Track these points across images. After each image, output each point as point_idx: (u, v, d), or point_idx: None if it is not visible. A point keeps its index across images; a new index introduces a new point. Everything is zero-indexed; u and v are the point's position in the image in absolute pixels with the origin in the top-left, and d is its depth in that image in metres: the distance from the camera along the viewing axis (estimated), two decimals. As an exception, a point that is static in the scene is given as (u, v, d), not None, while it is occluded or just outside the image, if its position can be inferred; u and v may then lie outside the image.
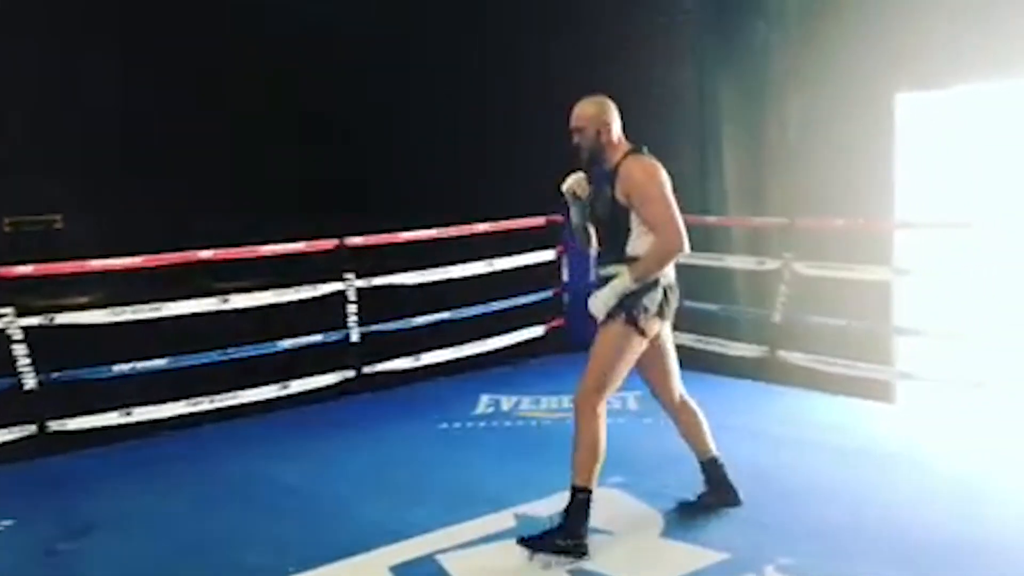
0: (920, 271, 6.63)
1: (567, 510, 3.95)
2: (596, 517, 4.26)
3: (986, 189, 6.57)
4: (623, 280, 3.90)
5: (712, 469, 4.37)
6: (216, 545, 4.31)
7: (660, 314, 3.98)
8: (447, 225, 6.95)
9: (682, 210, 7.01)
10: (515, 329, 7.28)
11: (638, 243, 3.95)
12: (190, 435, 5.89)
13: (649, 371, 4.25)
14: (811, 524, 4.24)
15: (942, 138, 6.83)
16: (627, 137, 4.06)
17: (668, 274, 4.02)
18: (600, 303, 3.95)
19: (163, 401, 5.78)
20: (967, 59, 6.34)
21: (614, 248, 4.01)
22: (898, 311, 6.75)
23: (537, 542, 3.94)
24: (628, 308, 3.92)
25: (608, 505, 4.46)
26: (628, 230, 3.95)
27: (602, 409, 3.98)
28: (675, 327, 6.92)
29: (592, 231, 4.22)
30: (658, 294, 3.94)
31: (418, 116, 8.93)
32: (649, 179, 3.90)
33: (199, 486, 5.10)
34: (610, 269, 4.00)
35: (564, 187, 4.17)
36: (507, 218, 7.26)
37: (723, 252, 7.00)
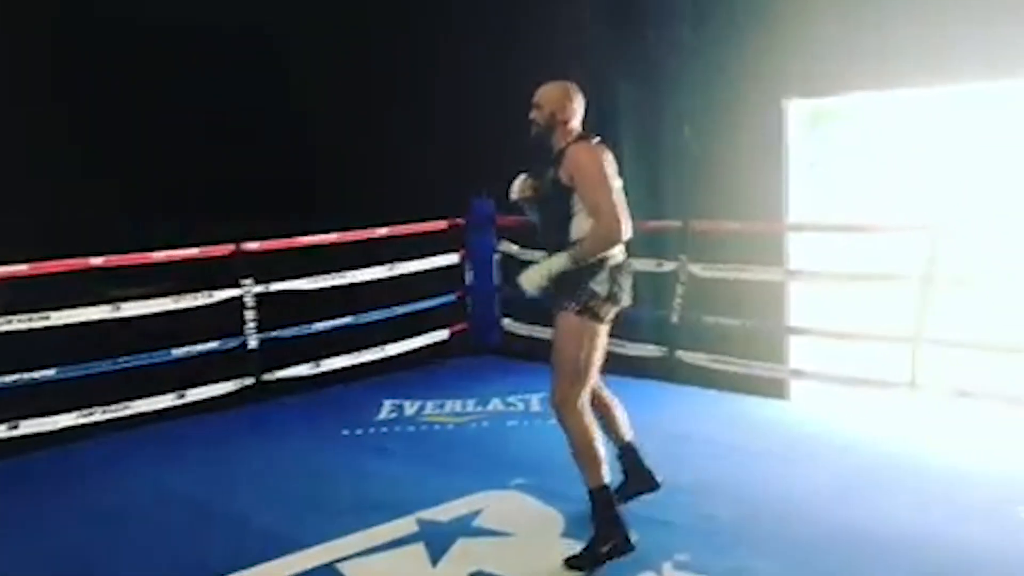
0: (810, 272, 6.83)
1: (595, 516, 3.90)
2: (497, 519, 4.29)
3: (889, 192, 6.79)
4: (560, 259, 3.86)
5: (628, 455, 4.40)
6: (104, 562, 4.20)
7: (611, 298, 3.94)
8: (348, 229, 6.89)
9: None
10: (418, 333, 7.26)
11: (583, 226, 3.92)
12: (81, 448, 5.71)
13: None
14: (707, 520, 4.33)
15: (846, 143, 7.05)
16: (584, 130, 4.10)
17: (615, 255, 3.98)
18: (534, 277, 3.89)
19: (53, 413, 5.58)
20: (855, 68, 6.55)
21: (559, 232, 3.96)
22: (794, 311, 6.93)
23: (585, 559, 3.87)
24: (577, 296, 3.89)
25: (509, 506, 4.50)
26: (571, 215, 3.92)
27: (583, 404, 3.95)
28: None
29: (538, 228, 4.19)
30: (603, 275, 3.91)
31: (319, 118, 8.84)
32: (592, 163, 3.91)
33: (89, 501, 4.94)
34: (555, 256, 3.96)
35: (514, 196, 4.19)
36: (409, 222, 7.23)
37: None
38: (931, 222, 5.77)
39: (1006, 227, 5.93)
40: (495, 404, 6.34)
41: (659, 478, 4.42)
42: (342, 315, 6.82)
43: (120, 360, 5.86)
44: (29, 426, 5.48)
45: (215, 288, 6.22)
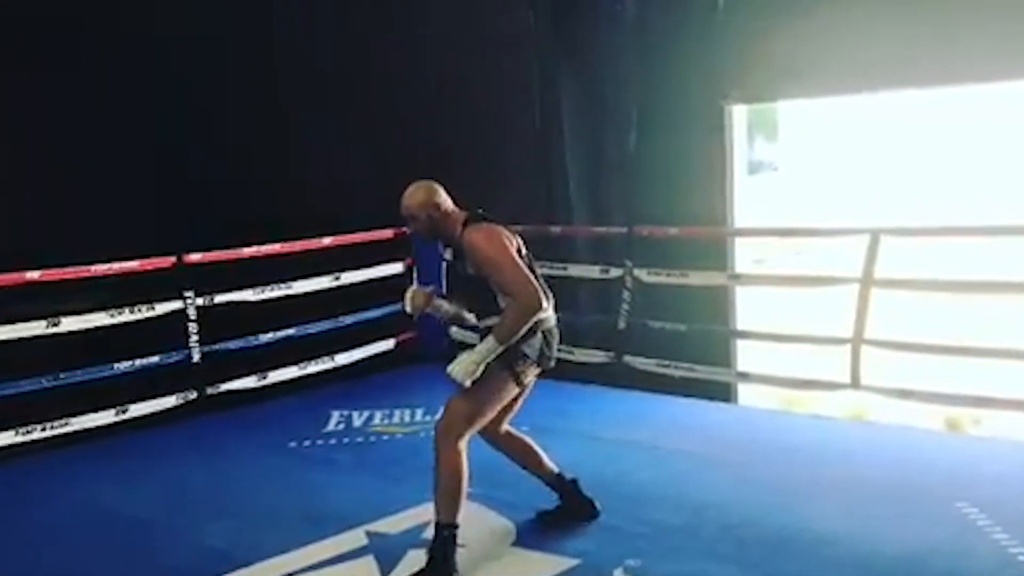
0: (753, 276, 6.93)
1: (432, 549, 3.86)
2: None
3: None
4: (487, 344, 3.83)
5: (561, 487, 4.39)
6: (48, 582, 4.10)
7: (539, 361, 3.97)
8: (292, 239, 6.82)
9: (526, 220, 7.11)
10: (365, 343, 7.20)
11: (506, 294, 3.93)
12: (20, 466, 5.55)
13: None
14: (656, 525, 4.35)
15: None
16: (458, 203, 4.07)
17: (546, 318, 4.01)
18: (467, 367, 3.82)
19: (-13, 432, 5.44)
20: (794, 75, 6.67)
21: (488, 304, 3.96)
22: (741, 315, 7.01)
23: None
24: (507, 358, 3.88)
25: (463, 517, 4.46)
26: (494, 291, 3.93)
27: (464, 445, 3.89)
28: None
29: (465, 312, 4.23)
30: (537, 341, 3.94)
31: (260, 126, 8.74)
32: (490, 246, 3.87)
33: (29, 520, 4.82)
34: (490, 320, 3.94)
35: (409, 310, 4.21)
36: (354, 231, 7.17)
37: (568, 261, 7.12)
38: (871, 225, 5.86)
39: (946, 229, 6.04)
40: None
41: (598, 505, 4.41)
42: (287, 327, 6.74)
43: (60, 376, 5.73)
44: (-35, 445, 5.34)
45: (156, 301, 6.11)
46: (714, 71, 6.95)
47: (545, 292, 3.97)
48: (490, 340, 3.83)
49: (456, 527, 3.87)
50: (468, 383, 3.83)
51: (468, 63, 7.97)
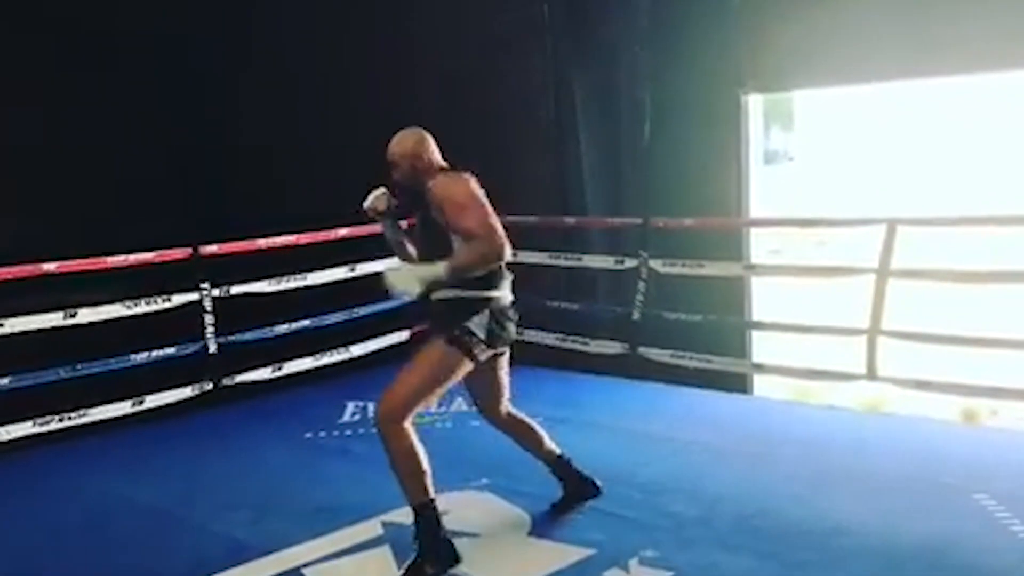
0: (770, 267, 6.90)
1: (417, 535, 3.80)
2: (464, 519, 4.27)
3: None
4: (435, 268, 3.71)
5: (562, 468, 4.39)
6: (61, 572, 4.13)
7: (490, 343, 3.86)
8: (307, 231, 6.83)
9: (541, 211, 7.10)
10: (380, 335, 7.21)
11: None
12: (38, 457, 5.60)
13: (477, 389, 4.19)
14: (672, 516, 4.34)
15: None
16: (449, 161, 3.99)
17: (500, 298, 3.90)
18: (405, 276, 3.76)
19: (8, 422, 5.48)
20: (812, 64, 6.63)
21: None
22: (757, 305, 6.99)
23: None
24: (452, 331, 3.80)
25: (475, 507, 4.48)
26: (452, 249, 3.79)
27: (409, 426, 3.79)
28: (536, 326, 7.08)
29: (410, 246, 4.13)
30: (483, 318, 3.82)
31: (276, 122, 8.74)
32: (458, 189, 3.79)
33: (46, 510, 4.86)
34: (439, 293, 3.84)
35: (365, 205, 4.13)
36: (370, 222, 7.15)
37: (583, 252, 7.11)
38: (888, 216, 5.83)
39: (964, 220, 6.00)
40: (458, 404, 6.31)
41: (598, 482, 4.42)
42: (303, 318, 6.76)
43: (77, 367, 5.76)
44: (-16, 436, 5.38)
45: (173, 292, 6.14)
46: (730, 60, 6.91)
47: (500, 268, 3.89)
48: (440, 266, 3.70)
49: (432, 502, 3.79)
50: (403, 296, 3.76)
51: (481, 55, 7.94)
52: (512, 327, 3.98)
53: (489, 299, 3.86)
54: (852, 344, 5.88)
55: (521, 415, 4.33)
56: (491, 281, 3.87)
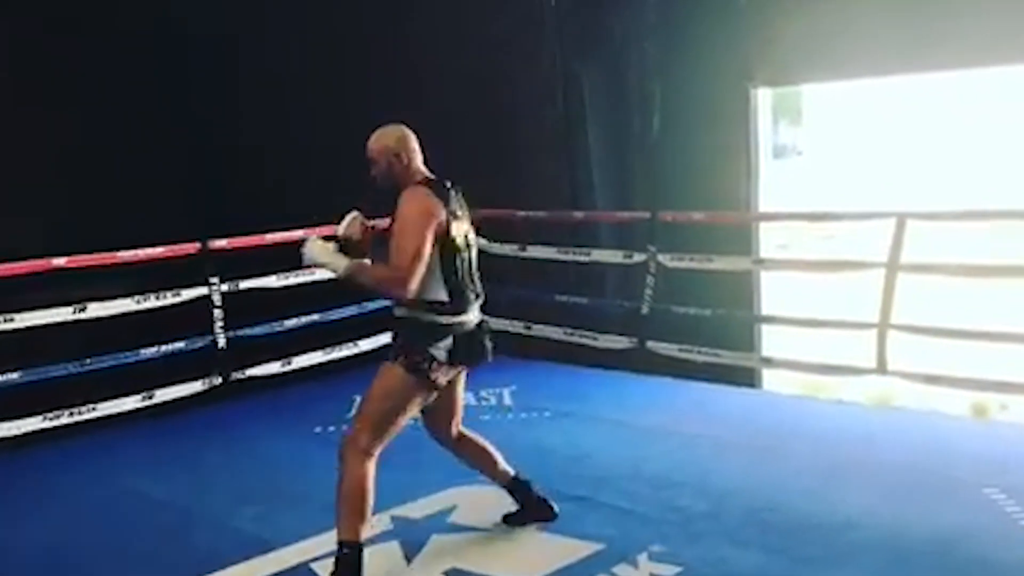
0: (778, 260, 6.89)
1: (336, 567, 3.61)
2: (473, 515, 4.28)
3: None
4: (341, 260, 3.62)
5: (518, 490, 4.15)
6: (79, 565, 4.15)
7: (451, 362, 3.70)
8: (315, 225, 6.82)
9: (550, 206, 7.07)
10: (388, 329, 7.20)
11: (425, 283, 3.62)
12: (49, 452, 5.62)
13: (433, 408, 3.92)
14: (680, 511, 4.34)
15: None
16: (431, 168, 3.83)
17: (467, 321, 3.73)
18: (317, 251, 3.66)
19: (18, 417, 5.50)
20: (822, 57, 6.61)
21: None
22: (766, 299, 6.98)
23: None
24: (410, 356, 3.64)
25: (484, 502, 4.47)
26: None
27: (369, 461, 3.65)
28: (544, 321, 7.08)
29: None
30: (446, 343, 3.66)
31: (281, 113, 8.75)
32: (413, 210, 3.59)
33: (60, 505, 4.88)
34: (401, 311, 3.72)
35: (338, 233, 3.86)
36: (381, 216, 7.16)
37: (591, 246, 7.10)
38: (897, 209, 5.81)
39: (973, 214, 5.98)
40: (468, 398, 6.24)
41: (555, 507, 4.16)
42: (312, 312, 6.76)
43: (86, 362, 5.78)
44: (-6, 430, 5.40)
45: (182, 287, 6.15)
46: (738, 54, 6.89)
47: (468, 293, 3.72)
48: (348, 261, 3.61)
49: (360, 546, 3.61)
50: (310, 263, 3.66)
51: (487, 50, 7.93)
52: (479, 347, 3.80)
53: (453, 325, 3.69)
54: (861, 339, 5.87)
55: (473, 436, 4.11)
56: (459, 306, 3.70)
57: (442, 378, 3.73)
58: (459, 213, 3.75)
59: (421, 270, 3.56)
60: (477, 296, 3.81)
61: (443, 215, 3.64)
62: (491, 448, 4.14)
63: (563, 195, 7.64)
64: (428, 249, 3.58)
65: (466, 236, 3.79)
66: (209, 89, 7.60)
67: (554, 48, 7.73)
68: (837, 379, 6.33)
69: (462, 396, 4.04)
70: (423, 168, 3.82)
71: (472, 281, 3.80)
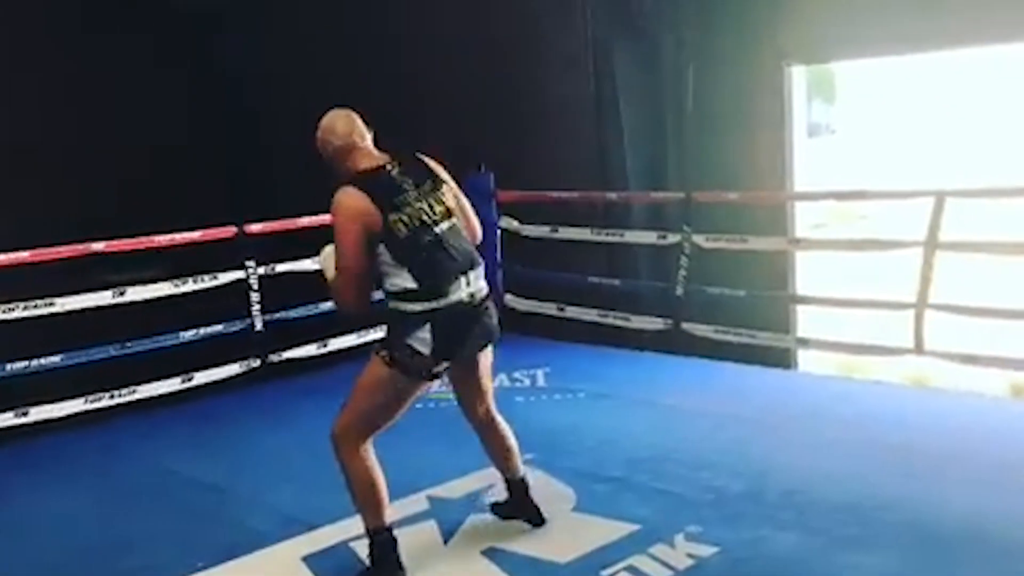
0: (814, 241, 6.84)
1: (371, 557, 3.64)
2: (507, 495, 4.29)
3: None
4: (330, 274, 3.57)
5: (517, 490, 4.04)
6: (121, 545, 4.22)
7: (436, 353, 3.48)
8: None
9: (582, 187, 7.04)
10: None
11: (393, 280, 3.50)
12: (90, 433, 5.72)
13: (458, 385, 3.86)
14: (717, 492, 4.34)
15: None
16: (389, 152, 3.64)
17: (449, 302, 3.47)
18: (325, 257, 3.62)
19: (61, 399, 5.60)
20: (858, 33, 6.53)
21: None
22: (801, 280, 6.94)
23: None
24: (391, 347, 3.51)
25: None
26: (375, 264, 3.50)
27: (364, 449, 3.61)
28: (577, 302, 7.08)
29: None
30: (425, 332, 3.45)
31: (315, 97, 8.79)
32: (339, 212, 3.43)
33: (101, 485, 4.98)
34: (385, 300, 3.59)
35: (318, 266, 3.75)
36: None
37: (624, 227, 7.09)
38: (936, 187, 5.74)
39: (1013, 191, 5.90)
40: (501, 380, 6.33)
41: (545, 517, 4.02)
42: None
43: (127, 345, 5.87)
44: (38, 413, 5.49)
45: (219, 271, 6.22)
46: (773, 31, 6.83)
47: (443, 271, 3.47)
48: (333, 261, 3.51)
49: (387, 529, 3.61)
50: (327, 272, 3.58)
51: (518, 28, 7.91)
52: (469, 333, 3.56)
53: (427, 311, 3.46)
54: (896, 319, 5.82)
55: (504, 429, 3.96)
56: (433, 289, 3.47)
57: (433, 368, 3.54)
58: (407, 196, 3.47)
59: (353, 281, 3.46)
60: (464, 270, 3.52)
61: (372, 210, 3.40)
62: (514, 448, 3.97)
63: (595, 175, 7.62)
64: (358, 256, 3.42)
65: (427, 213, 3.49)
66: (244, 76, 7.66)
67: (586, 27, 7.69)
68: (873, 360, 6.27)
69: (487, 376, 3.84)
70: (368, 152, 3.59)
71: (451, 256, 3.50)
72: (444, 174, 3.72)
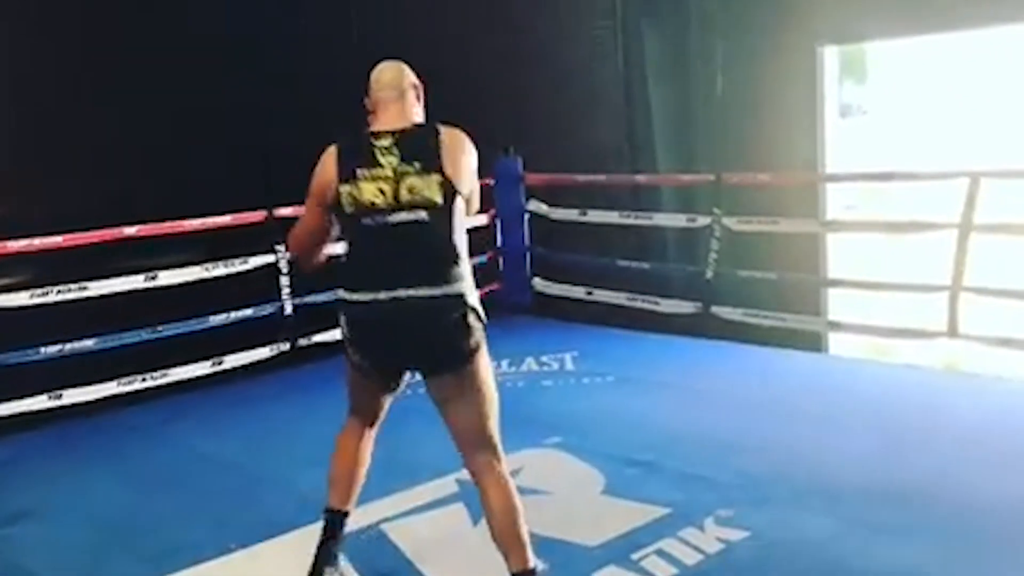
0: (847, 223, 6.77)
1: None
2: (536, 478, 4.30)
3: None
4: None
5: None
6: (154, 525, 4.26)
7: (353, 345, 3.24)
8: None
9: (611, 169, 7.02)
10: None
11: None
12: (124, 416, 5.79)
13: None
14: (747, 475, 4.31)
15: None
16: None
17: (363, 300, 3.08)
18: None
19: (93, 382, 5.66)
20: (892, 13, 6.43)
21: None
22: (832, 262, 6.88)
23: None
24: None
25: (547, 465, 4.51)
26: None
27: (349, 425, 3.58)
28: (606, 286, 7.06)
29: None
30: (343, 322, 3.20)
31: (344, 81, 8.78)
32: (316, 170, 3.21)
33: (134, 467, 5.02)
34: None
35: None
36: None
37: (654, 210, 7.05)
38: (970, 168, 5.65)
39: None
40: (529, 364, 6.34)
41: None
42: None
43: (158, 329, 5.92)
44: (72, 395, 5.56)
45: (249, 255, 6.25)
46: (804, 10, 6.74)
47: (367, 268, 3.11)
48: None
49: (330, 510, 3.51)
50: None
51: (546, 10, 7.86)
52: (379, 339, 3.17)
53: (347, 302, 3.15)
54: (929, 302, 5.75)
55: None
56: (352, 283, 3.13)
57: (356, 362, 3.27)
58: (375, 172, 3.02)
59: (301, 231, 3.32)
60: (390, 286, 3.03)
61: (332, 175, 3.08)
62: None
63: (624, 157, 7.58)
64: (311, 210, 3.23)
65: (386, 196, 3.02)
66: (275, 61, 7.66)
67: (615, 9, 7.63)
68: (905, 343, 6.21)
69: (464, 431, 3.38)
70: (391, 113, 3.21)
71: (381, 257, 3.08)
72: (456, 157, 3.11)
